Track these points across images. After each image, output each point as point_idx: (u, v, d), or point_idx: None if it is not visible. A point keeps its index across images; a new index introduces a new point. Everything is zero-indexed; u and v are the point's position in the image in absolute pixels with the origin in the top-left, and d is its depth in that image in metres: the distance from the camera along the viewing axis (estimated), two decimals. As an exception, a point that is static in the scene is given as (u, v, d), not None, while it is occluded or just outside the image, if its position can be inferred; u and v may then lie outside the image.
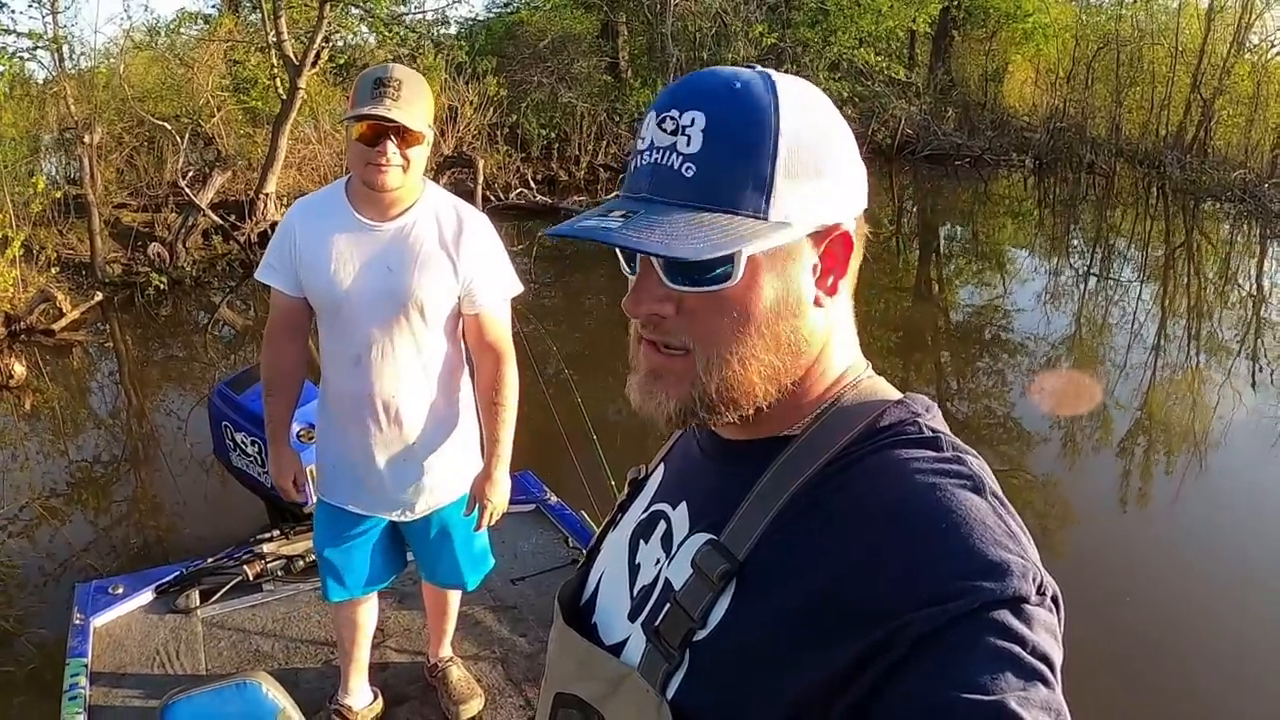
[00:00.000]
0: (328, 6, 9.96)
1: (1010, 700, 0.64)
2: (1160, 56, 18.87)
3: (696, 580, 0.80)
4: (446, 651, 3.07)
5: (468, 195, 9.97)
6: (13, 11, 13.13)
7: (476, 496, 2.49)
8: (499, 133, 14.33)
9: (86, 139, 9.48)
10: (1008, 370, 8.26)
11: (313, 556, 3.19)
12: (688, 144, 0.76)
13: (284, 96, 10.40)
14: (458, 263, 2.32)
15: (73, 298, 8.42)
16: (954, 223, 15.53)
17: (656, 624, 0.81)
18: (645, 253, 0.75)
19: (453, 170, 12.64)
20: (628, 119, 15.75)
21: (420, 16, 15.13)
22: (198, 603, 3.41)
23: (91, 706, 2.89)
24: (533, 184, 13.58)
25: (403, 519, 2.56)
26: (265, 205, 10.39)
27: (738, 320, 0.78)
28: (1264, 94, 17.33)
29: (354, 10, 11.63)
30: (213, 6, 15.20)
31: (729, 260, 0.76)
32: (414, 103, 2.17)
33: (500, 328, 2.44)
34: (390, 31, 12.81)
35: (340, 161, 11.35)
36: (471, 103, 13.44)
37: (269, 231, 9.44)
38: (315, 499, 2.66)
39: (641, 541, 0.94)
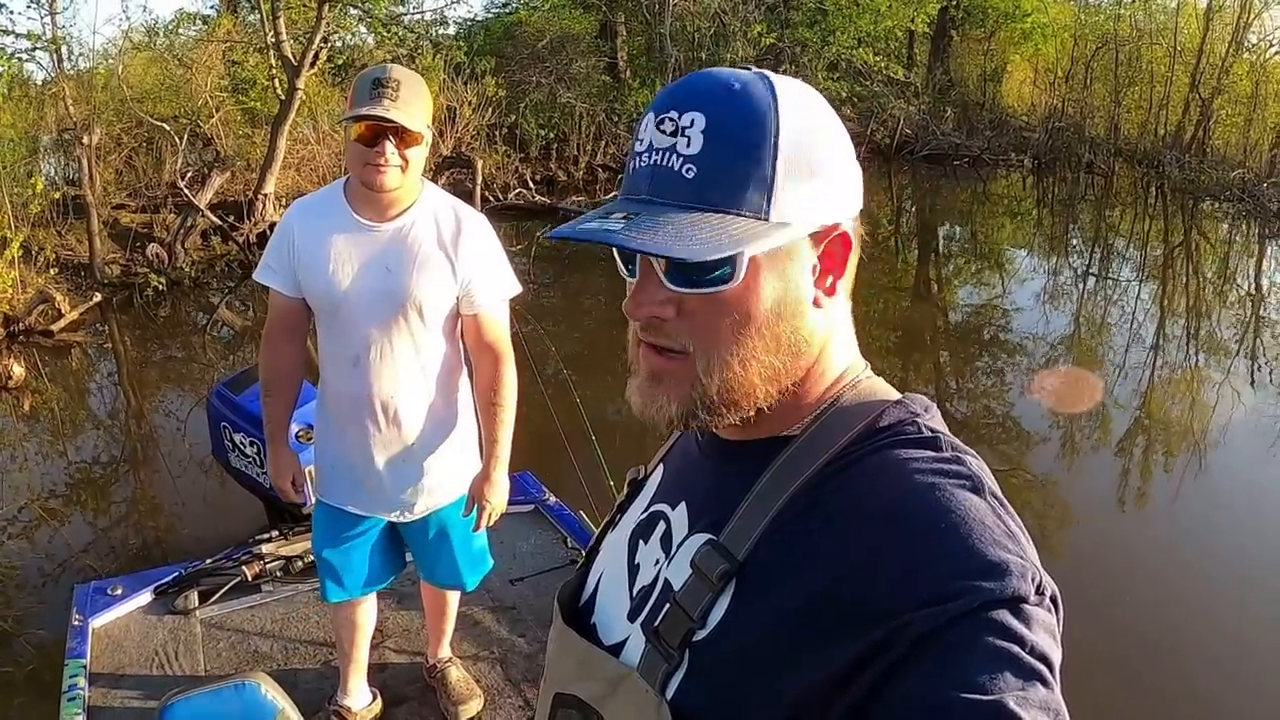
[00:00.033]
0: (326, 7, 9.95)
1: (1009, 700, 0.64)
2: (1159, 56, 18.88)
3: (696, 580, 0.80)
4: (445, 652, 3.06)
5: (466, 195, 9.96)
6: (11, 12, 13.10)
7: (475, 497, 2.49)
8: (497, 133, 14.33)
9: (85, 140, 9.47)
10: (1007, 370, 8.26)
11: (311, 557, 3.19)
12: (688, 145, 0.76)
13: (282, 97, 10.39)
14: (456, 263, 2.32)
15: (71, 298, 8.41)
16: (953, 222, 15.53)
17: (656, 624, 0.81)
18: (650, 254, 0.74)
19: (451, 170, 12.65)
20: (626, 119, 15.75)
21: (419, 17, 15.16)
22: (196, 604, 3.41)
23: (90, 707, 2.89)
24: (531, 184, 13.58)
25: (401, 520, 2.56)
26: (264, 206, 10.39)
27: (739, 321, 0.78)
28: (1262, 93, 17.35)
29: (352, 10, 11.64)
30: (211, 7, 15.22)
31: (730, 261, 0.76)
32: (412, 103, 2.17)
33: (499, 328, 2.44)
34: (389, 32, 12.82)
35: (339, 162, 11.35)
36: (470, 103, 13.44)
37: (268, 232, 9.43)
38: (314, 500, 2.65)
39: (641, 542, 0.94)
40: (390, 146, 2.17)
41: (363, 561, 2.63)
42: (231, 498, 4.77)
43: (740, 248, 0.75)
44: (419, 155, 2.25)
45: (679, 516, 0.90)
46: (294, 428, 2.93)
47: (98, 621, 3.28)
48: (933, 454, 0.78)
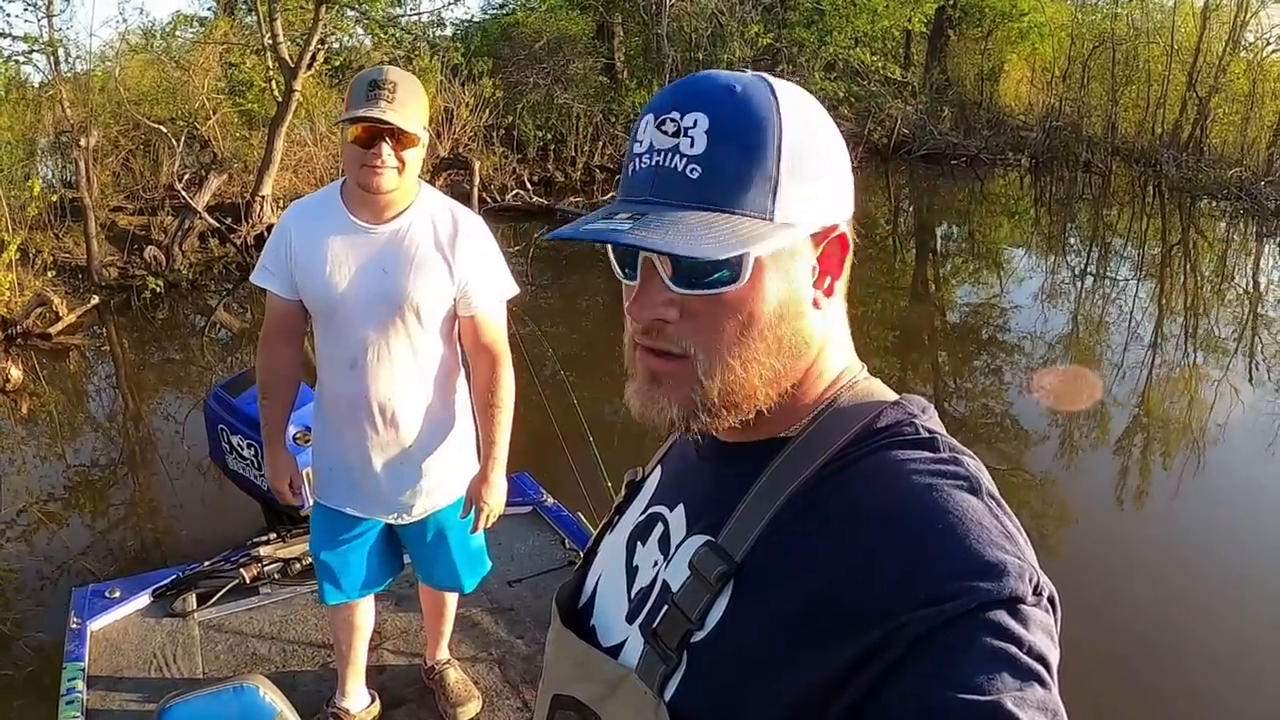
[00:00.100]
0: (323, 8, 9.94)
1: (1006, 700, 0.64)
2: (1156, 55, 18.88)
3: (694, 582, 0.80)
4: (444, 654, 3.06)
5: (464, 197, 9.97)
6: (8, 15, 13.07)
7: (473, 499, 2.49)
8: (495, 134, 14.32)
9: (82, 142, 9.47)
10: (1005, 369, 8.27)
11: (309, 559, 3.19)
12: (691, 145, 0.76)
13: (280, 99, 10.38)
14: (453, 265, 2.32)
15: (69, 301, 8.41)
16: (950, 222, 15.54)
17: (654, 626, 0.81)
18: (662, 253, 0.74)
19: (449, 172, 12.63)
20: (624, 120, 15.74)
21: (416, 18, 15.12)
22: (194, 606, 3.41)
23: (89, 710, 2.89)
24: (529, 185, 13.57)
25: (399, 521, 2.56)
26: (261, 208, 10.38)
27: (742, 323, 0.78)
28: (1259, 92, 17.34)
29: (349, 12, 11.61)
30: (208, 9, 15.22)
31: (736, 262, 0.76)
32: (409, 105, 2.17)
33: (496, 330, 2.44)
34: (386, 33, 12.79)
35: (336, 164, 11.34)
36: (467, 104, 13.44)
37: (265, 234, 9.43)
38: (311, 502, 2.65)
39: (639, 544, 0.93)
40: (387, 148, 2.17)
41: (360, 563, 2.63)
42: (229, 500, 4.76)
43: (748, 247, 0.75)
44: (416, 157, 2.25)
45: (677, 518, 0.90)
46: (291, 430, 2.93)
47: (96, 624, 3.28)
48: (930, 455, 0.78)
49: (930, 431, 0.81)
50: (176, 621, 3.36)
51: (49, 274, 8.64)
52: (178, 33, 13.75)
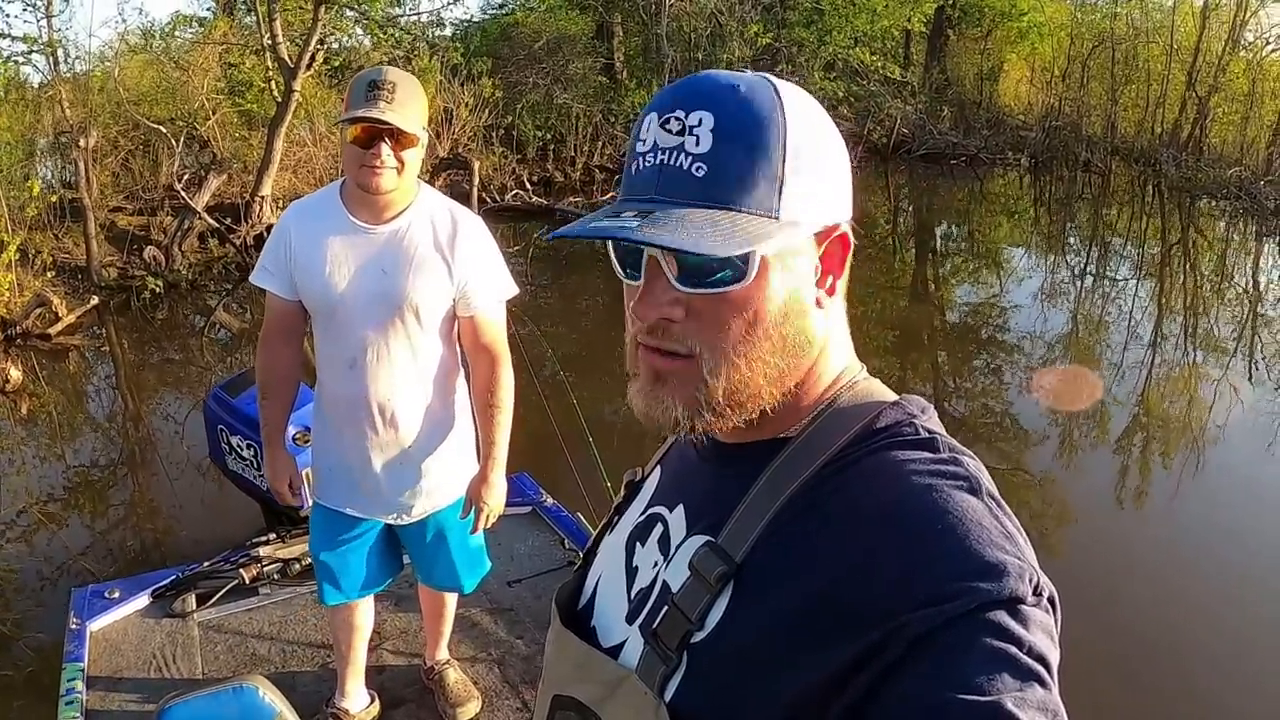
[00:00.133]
0: (322, 9, 9.94)
1: (1006, 701, 0.64)
2: (1155, 54, 18.88)
3: (694, 582, 0.80)
4: (443, 654, 3.06)
5: (463, 197, 9.98)
6: (7, 16, 13.08)
7: (473, 499, 2.48)
8: (494, 134, 14.33)
9: (82, 143, 9.47)
10: (1004, 369, 8.27)
11: (309, 560, 3.19)
12: (696, 144, 0.76)
13: (279, 99, 10.38)
14: (453, 265, 2.32)
15: (68, 302, 8.41)
16: (950, 221, 15.54)
17: (654, 626, 0.81)
18: (672, 250, 0.74)
19: (448, 172, 12.63)
20: (623, 120, 15.74)
21: (415, 18, 15.12)
22: (194, 606, 3.40)
23: (88, 711, 2.89)
24: (528, 185, 13.57)
25: (399, 522, 2.56)
26: (261, 208, 10.38)
27: (748, 322, 0.78)
28: (1259, 91, 17.35)
29: (349, 12, 11.61)
30: (207, 9, 15.22)
31: (742, 260, 0.76)
32: (408, 105, 2.17)
33: (495, 330, 2.44)
34: (385, 33, 12.79)
35: (336, 164, 11.34)
36: (467, 104, 13.44)
37: (265, 234, 9.43)
38: (311, 502, 2.65)
39: (638, 544, 0.93)
40: (386, 149, 2.17)
41: (360, 564, 2.62)
42: (229, 500, 4.76)
43: (755, 245, 0.75)
44: (415, 157, 2.25)
45: (677, 519, 0.90)
46: (291, 430, 2.93)
47: (95, 625, 3.27)
48: (930, 455, 0.78)
49: (930, 432, 0.81)
50: (176, 622, 3.36)
51: (48, 274, 8.64)
52: (177, 33, 13.76)
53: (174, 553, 4.65)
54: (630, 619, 0.88)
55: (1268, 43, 18.19)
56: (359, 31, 13.24)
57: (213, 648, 3.26)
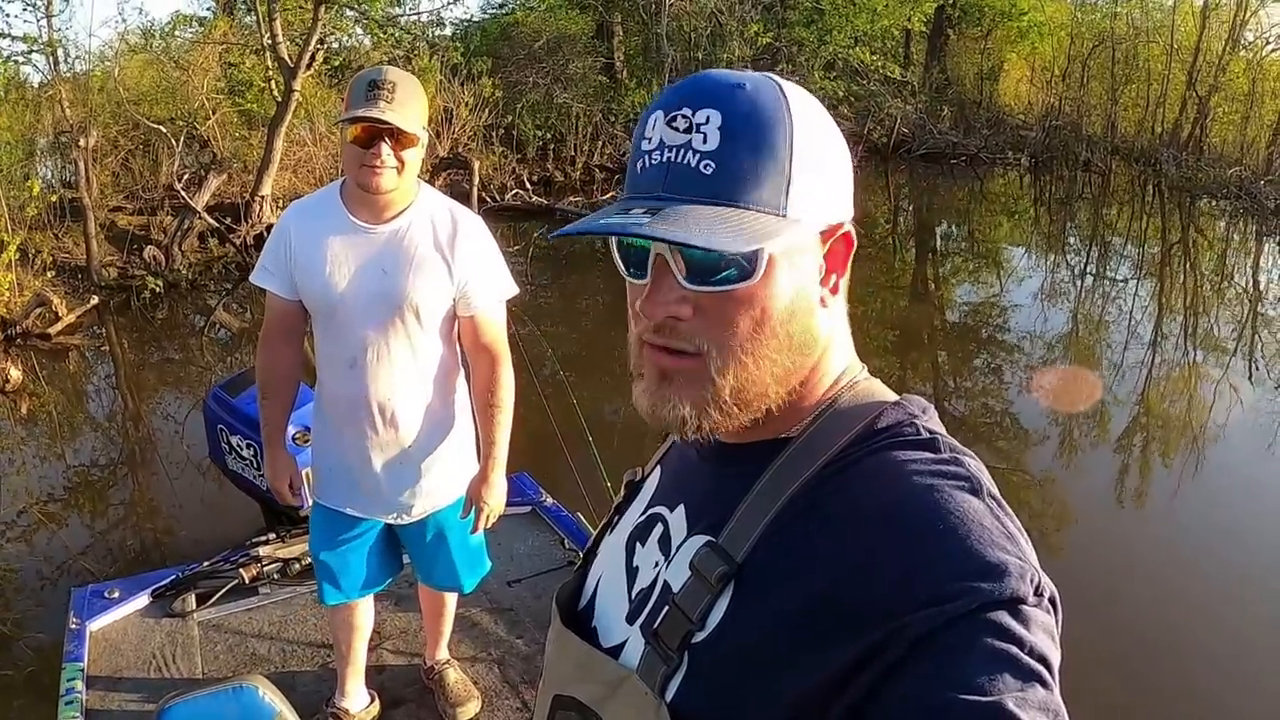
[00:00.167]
0: (322, 8, 9.94)
1: (1008, 701, 0.64)
2: (1155, 54, 18.89)
3: (695, 582, 0.80)
4: (443, 654, 3.06)
5: (463, 197, 9.98)
6: (7, 15, 13.08)
7: (473, 499, 2.48)
8: (494, 134, 14.32)
9: (82, 142, 9.46)
10: (1005, 368, 8.27)
11: (309, 559, 3.19)
12: (704, 142, 0.76)
13: (279, 99, 10.38)
14: (453, 265, 2.32)
15: (68, 301, 8.41)
16: (950, 221, 15.54)
17: (655, 626, 0.81)
18: (686, 245, 0.74)
19: (448, 172, 12.63)
20: (623, 119, 15.74)
21: (415, 18, 15.12)
22: (194, 606, 3.40)
23: (88, 710, 2.88)
24: (528, 185, 13.57)
25: (399, 522, 2.55)
26: (261, 208, 10.38)
27: (755, 319, 0.78)
28: (1259, 91, 17.35)
29: (349, 12, 11.60)
30: (207, 9, 15.21)
31: (750, 258, 0.76)
32: (408, 105, 2.17)
33: (496, 330, 2.44)
34: (385, 33, 12.79)
35: (336, 164, 11.34)
36: (467, 104, 13.44)
37: (265, 234, 9.43)
38: (311, 502, 2.65)
39: (639, 544, 0.93)
40: (386, 148, 2.17)
41: (360, 564, 2.62)
42: (228, 500, 4.76)
43: (765, 242, 0.75)
44: (415, 157, 2.25)
45: (677, 519, 0.90)
46: (290, 430, 2.92)
47: (95, 624, 3.27)
48: (931, 455, 0.78)
49: (931, 432, 0.81)
50: (176, 622, 3.36)
51: (48, 274, 8.64)
52: (177, 33, 13.74)
53: (174, 552, 4.65)
54: (631, 619, 0.88)
55: (1268, 42, 18.20)
56: (359, 31, 13.25)
57: (213, 647, 3.26)
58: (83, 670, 3.01)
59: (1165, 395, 7.74)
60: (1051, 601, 0.72)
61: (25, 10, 9.84)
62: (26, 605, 4.33)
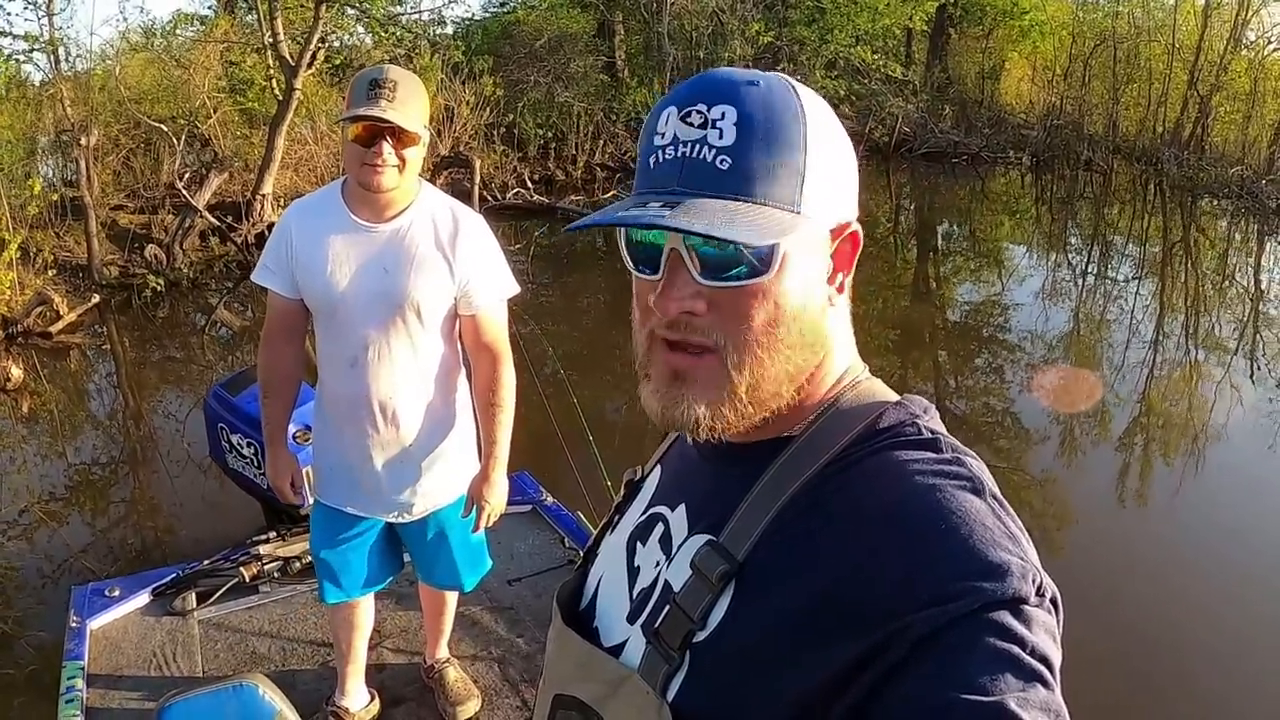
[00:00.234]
0: (324, 7, 9.95)
1: (1009, 701, 0.64)
2: (1157, 53, 18.88)
3: (696, 581, 0.80)
4: (443, 653, 3.06)
5: (464, 195, 9.96)
6: (8, 14, 13.08)
7: (474, 498, 2.48)
8: (495, 132, 14.33)
9: (83, 141, 9.47)
10: (1006, 368, 8.26)
11: (309, 558, 3.18)
12: (720, 137, 0.76)
13: (280, 97, 10.38)
14: (454, 264, 2.32)
15: (70, 300, 8.41)
16: (951, 220, 15.53)
17: (656, 626, 0.81)
18: (709, 237, 0.73)
19: (449, 170, 12.64)
20: (624, 118, 15.75)
21: (416, 17, 15.12)
22: (194, 605, 3.40)
23: (89, 709, 2.88)
24: (530, 184, 13.57)
25: (400, 520, 2.55)
26: (262, 206, 10.38)
27: (770, 314, 0.78)
28: (1261, 90, 17.35)
29: (350, 10, 11.62)
30: (209, 8, 15.22)
31: (766, 253, 0.76)
32: (409, 103, 2.17)
33: (497, 328, 2.44)
34: (386, 32, 12.81)
35: (337, 162, 11.34)
36: (468, 103, 13.44)
37: (266, 233, 9.43)
38: (312, 500, 2.65)
39: (639, 544, 0.93)
40: (387, 147, 2.16)
41: (361, 562, 2.62)
42: (229, 499, 4.76)
43: (781, 237, 0.75)
44: (416, 155, 2.25)
45: (678, 518, 0.90)
46: (291, 429, 2.92)
47: (96, 623, 3.27)
48: (933, 455, 0.78)
49: (933, 432, 0.81)
50: (176, 620, 3.36)
51: (50, 273, 8.64)
52: (178, 31, 13.76)
53: (174, 551, 4.65)
54: (632, 618, 0.88)
55: (1269, 42, 18.20)
56: (360, 30, 13.27)
57: (213, 646, 3.26)
58: (83, 668, 3.01)
59: (1166, 395, 7.73)
60: (1053, 601, 0.72)
61: (26, 9, 9.86)
62: (27, 603, 4.34)
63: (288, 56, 10.23)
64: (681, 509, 0.90)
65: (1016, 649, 0.66)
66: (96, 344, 8.25)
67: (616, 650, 0.87)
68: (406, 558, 2.76)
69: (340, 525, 2.56)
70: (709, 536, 0.82)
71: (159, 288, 9.02)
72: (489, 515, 2.50)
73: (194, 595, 3.42)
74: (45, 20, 9.82)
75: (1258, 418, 6.97)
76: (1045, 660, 0.68)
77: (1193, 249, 13.37)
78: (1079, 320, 9.81)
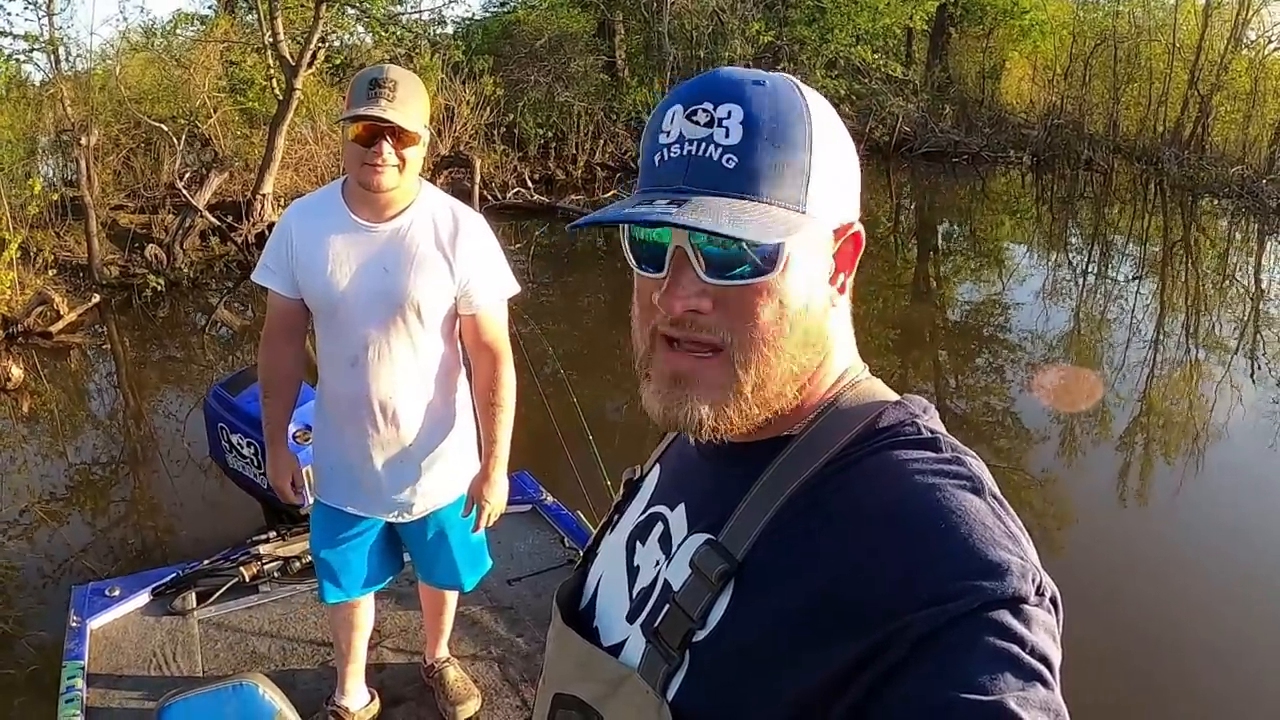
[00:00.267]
0: (324, 7, 9.95)
1: (1009, 700, 0.64)
2: (1157, 53, 18.87)
3: (695, 580, 0.80)
4: (443, 652, 3.06)
5: (465, 195, 9.96)
6: (8, 14, 13.07)
7: (474, 497, 2.48)
8: (496, 132, 14.32)
9: (83, 141, 9.47)
10: (1006, 367, 8.26)
11: (309, 558, 3.18)
12: (726, 136, 0.76)
13: (280, 97, 10.39)
14: (454, 263, 2.32)
15: (70, 300, 8.41)
16: (952, 220, 15.53)
17: (656, 625, 0.81)
18: (720, 235, 0.73)
19: (450, 170, 12.64)
20: (624, 118, 15.75)
21: (416, 16, 15.13)
22: (194, 604, 3.40)
23: (89, 708, 2.88)
24: (530, 183, 13.57)
25: (400, 520, 2.55)
26: (262, 206, 10.38)
27: (775, 313, 0.78)
28: (1261, 90, 17.34)
29: (350, 10, 11.62)
30: (209, 7, 15.21)
31: (771, 251, 0.77)
32: (409, 103, 2.17)
33: (497, 328, 2.44)
34: (386, 31, 12.81)
35: (337, 162, 11.34)
36: (468, 102, 13.44)
37: (266, 232, 9.43)
38: (312, 500, 2.65)
39: (639, 543, 0.93)
40: (387, 147, 2.16)
41: (361, 562, 2.62)
42: (229, 498, 4.76)
43: (787, 236, 0.75)
44: (416, 155, 2.25)
45: (678, 517, 0.90)
46: (291, 428, 2.92)
47: (96, 623, 3.27)
48: (933, 455, 0.78)
49: (932, 432, 0.81)
50: (176, 620, 3.36)
51: (50, 272, 8.64)
52: (178, 31, 13.75)
53: (174, 551, 4.65)
54: (631, 618, 0.88)
55: (1270, 41, 18.19)
56: (360, 29, 13.27)
57: (213, 645, 3.26)
58: (83, 668, 3.01)
59: (1167, 394, 7.73)
60: (1053, 601, 0.72)
61: (27, 9, 9.86)
62: (28, 603, 4.34)
63: (288, 56, 10.23)
64: (681, 508, 0.90)
65: (1016, 648, 0.66)
66: (97, 344, 8.25)
67: (616, 649, 0.87)
68: (406, 557, 2.76)
69: (340, 525, 2.56)
70: (708, 536, 0.82)
71: (159, 287, 9.02)
72: (489, 515, 2.50)
73: (194, 595, 3.42)
74: (45, 20, 9.82)
75: (1258, 417, 6.97)
76: (1045, 659, 0.67)
77: (1193, 248, 13.36)
78: (1079, 320, 9.81)
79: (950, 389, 7.68)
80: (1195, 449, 6.54)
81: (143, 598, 3.42)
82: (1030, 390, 7.58)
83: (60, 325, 8.06)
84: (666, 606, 0.81)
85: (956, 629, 0.67)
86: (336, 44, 12.65)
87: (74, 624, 3.22)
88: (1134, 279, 11.53)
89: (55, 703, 2.86)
